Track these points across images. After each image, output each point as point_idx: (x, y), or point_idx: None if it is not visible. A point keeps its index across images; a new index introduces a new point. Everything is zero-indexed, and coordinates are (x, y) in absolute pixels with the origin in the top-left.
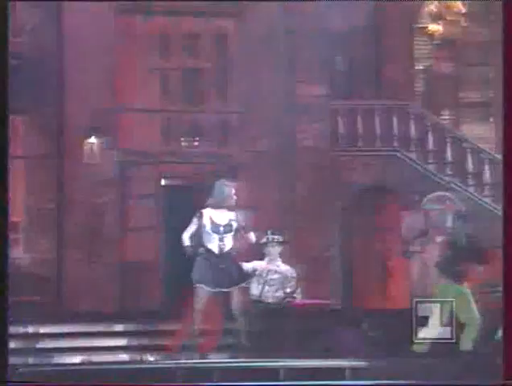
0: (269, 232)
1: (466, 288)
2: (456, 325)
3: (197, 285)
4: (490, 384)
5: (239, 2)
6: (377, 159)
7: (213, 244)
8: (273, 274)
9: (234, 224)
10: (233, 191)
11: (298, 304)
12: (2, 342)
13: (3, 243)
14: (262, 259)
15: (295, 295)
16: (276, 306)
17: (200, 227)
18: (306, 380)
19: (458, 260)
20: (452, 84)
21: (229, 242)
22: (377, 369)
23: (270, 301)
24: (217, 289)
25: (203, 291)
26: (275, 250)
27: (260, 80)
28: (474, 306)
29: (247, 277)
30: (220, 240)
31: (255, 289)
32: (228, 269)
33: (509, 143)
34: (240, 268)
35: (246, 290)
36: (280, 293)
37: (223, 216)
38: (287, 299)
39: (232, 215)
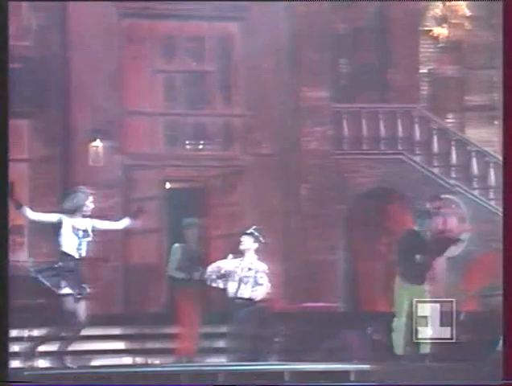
0: (253, 227)
1: (424, 288)
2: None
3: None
4: (490, 384)
5: (243, 5)
6: (381, 162)
7: (72, 248)
8: (247, 271)
9: (90, 231)
10: (90, 199)
11: (304, 307)
12: (3, 342)
13: (4, 246)
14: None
15: (268, 291)
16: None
17: (59, 231)
18: (311, 383)
19: (419, 259)
20: (456, 87)
21: (85, 248)
22: (382, 372)
23: (246, 298)
24: (68, 292)
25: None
26: (252, 245)
27: (264, 83)
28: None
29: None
30: (79, 244)
31: (231, 287)
32: (79, 274)
33: (509, 144)
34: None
35: (224, 289)
36: (255, 290)
37: (81, 222)
38: (263, 296)
39: (88, 222)
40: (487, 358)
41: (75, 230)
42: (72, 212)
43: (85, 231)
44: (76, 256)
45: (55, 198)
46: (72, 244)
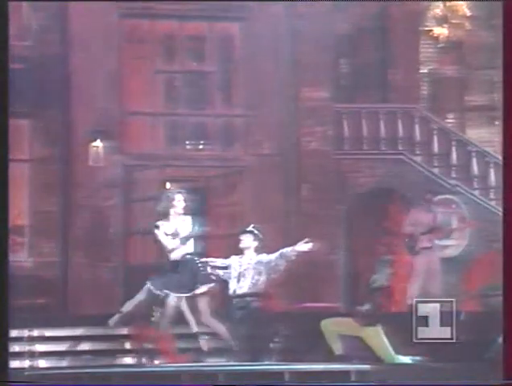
0: (252, 226)
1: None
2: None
3: (162, 291)
4: (490, 384)
5: (244, 5)
6: (382, 162)
7: (170, 252)
8: (246, 266)
9: (184, 231)
10: (181, 199)
11: (304, 307)
12: (3, 342)
13: (4, 246)
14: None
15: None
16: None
17: (157, 237)
18: (311, 383)
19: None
20: (457, 87)
21: (183, 248)
22: (382, 372)
23: (245, 292)
24: (180, 295)
25: (170, 297)
26: (252, 243)
27: (265, 83)
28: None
29: (206, 280)
30: (176, 247)
31: (232, 284)
32: (185, 275)
33: (509, 144)
34: (197, 273)
35: (225, 286)
36: (255, 285)
37: (172, 225)
38: (262, 290)
39: (182, 222)
40: (486, 358)
41: (168, 235)
42: (164, 215)
43: (176, 234)
44: (173, 258)
45: (56, 198)
46: (169, 247)
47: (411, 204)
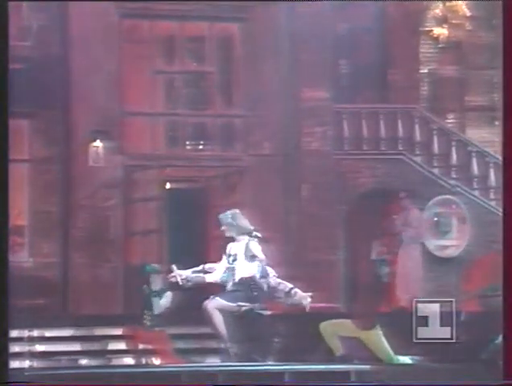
0: (252, 229)
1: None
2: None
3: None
4: (490, 384)
5: (243, 5)
6: (382, 163)
7: (225, 272)
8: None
9: (241, 253)
10: (244, 221)
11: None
12: (3, 343)
13: (4, 246)
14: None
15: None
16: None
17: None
18: (311, 383)
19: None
20: (457, 87)
21: (238, 270)
22: (382, 372)
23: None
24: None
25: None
26: (256, 247)
27: (265, 83)
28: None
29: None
30: (230, 268)
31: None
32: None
33: (509, 144)
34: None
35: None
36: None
37: (234, 245)
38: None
39: (242, 243)
40: (485, 358)
41: (226, 256)
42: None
43: (235, 255)
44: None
45: (56, 198)
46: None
47: (390, 204)
